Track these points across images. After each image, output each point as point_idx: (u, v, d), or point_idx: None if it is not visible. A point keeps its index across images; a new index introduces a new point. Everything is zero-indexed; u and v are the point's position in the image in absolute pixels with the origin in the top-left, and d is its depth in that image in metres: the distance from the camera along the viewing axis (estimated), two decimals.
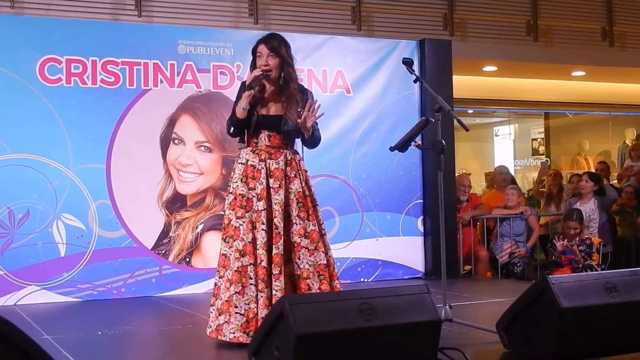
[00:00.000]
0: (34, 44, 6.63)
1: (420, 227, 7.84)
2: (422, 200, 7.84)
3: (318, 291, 4.35)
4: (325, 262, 4.46)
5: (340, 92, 7.64)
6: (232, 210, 4.44)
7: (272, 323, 3.33)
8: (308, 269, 4.41)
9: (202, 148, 7.11)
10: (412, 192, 7.82)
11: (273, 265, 4.32)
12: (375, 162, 7.68)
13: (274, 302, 4.22)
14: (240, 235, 4.36)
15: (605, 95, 12.09)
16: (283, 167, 4.49)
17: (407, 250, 7.77)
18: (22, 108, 6.55)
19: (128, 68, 6.91)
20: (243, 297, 4.30)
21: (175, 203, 7.01)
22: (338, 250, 7.44)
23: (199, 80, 7.08)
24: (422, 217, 7.84)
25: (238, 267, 4.32)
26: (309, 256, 4.43)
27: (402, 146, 5.15)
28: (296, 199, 4.48)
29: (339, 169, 7.56)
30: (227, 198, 4.57)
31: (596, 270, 7.51)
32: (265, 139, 4.54)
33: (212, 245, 6.86)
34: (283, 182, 4.46)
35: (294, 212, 4.46)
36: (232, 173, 4.60)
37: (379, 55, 7.82)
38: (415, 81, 5.34)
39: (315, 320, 3.24)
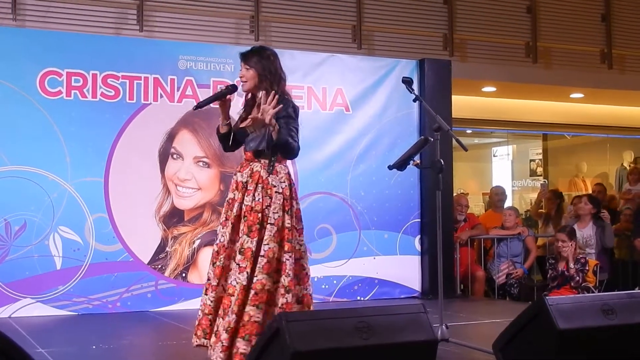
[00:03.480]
0: (35, 57, 6.65)
1: (418, 246, 7.83)
2: (419, 220, 7.84)
3: (231, 311, 4.17)
4: (245, 283, 4.19)
5: (339, 109, 7.66)
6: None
7: (268, 339, 3.32)
8: (235, 286, 4.22)
9: (201, 163, 7.11)
10: (410, 211, 7.82)
11: (213, 275, 4.35)
12: (374, 180, 7.68)
13: (206, 311, 4.33)
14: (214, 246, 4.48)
15: (603, 117, 12.12)
16: (245, 180, 4.37)
17: (404, 269, 7.76)
18: (21, 120, 6.56)
19: (128, 82, 6.93)
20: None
21: (173, 218, 7.00)
22: (335, 268, 7.46)
23: (199, 96, 7.08)
24: (419, 236, 7.83)
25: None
26: (238, 273, 4.22)
27: (400, 165, 5.15)
28: (244, 212, 4.32)
29: (337, 186, 7.57)
30: None
31: (593, 292, 7.49)
32: (243, 152, 4.53)
33: (209, 261, 6.82)
34: (240, 194, 4.35)
35: (240, 226, 4.31)
36: None
37: (378, 73, 7.84)
38: (414, 100, 5.37)
39: (311, 338, 3.23)
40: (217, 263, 4.34)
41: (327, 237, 7.48)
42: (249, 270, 4.21)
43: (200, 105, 4.62)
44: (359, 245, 7.60)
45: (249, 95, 4.53)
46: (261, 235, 4.26)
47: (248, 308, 4.18)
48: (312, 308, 4.50)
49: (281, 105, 4.29)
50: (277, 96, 4.26)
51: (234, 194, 4.38)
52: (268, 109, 4.21)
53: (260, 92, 4.40)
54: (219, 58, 7.19)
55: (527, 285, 8.52)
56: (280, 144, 4.29)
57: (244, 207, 4.31)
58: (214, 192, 7.09)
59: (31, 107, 6.58)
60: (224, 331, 4.15)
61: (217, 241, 4.41)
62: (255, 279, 4.21)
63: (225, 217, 4.40)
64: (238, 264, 4.24)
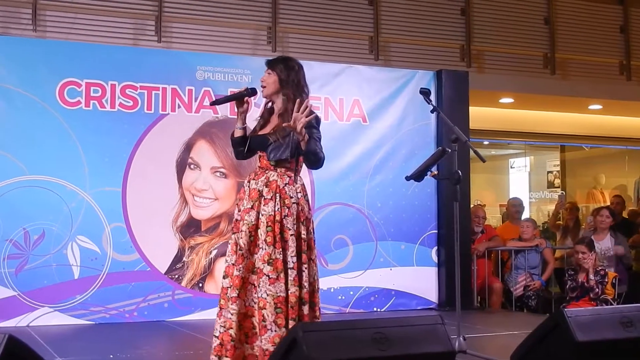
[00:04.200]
0: (55, 67, 6.71)
1: (435, 258, 7.81)
2: (436, 231, 7.82)
3: (273, 324, 4.07)
4: (284, 295, 4.11)
5: (356, 120, 7.67)
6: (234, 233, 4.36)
7: (285, 350, 3.31)
8: (265, 299, 4.09)
9: (218, 173, 7.13)
10: (427, 222, 7.80)
11: (232, 287, 4.16)
12: (391, 191, 7.67)
13: (227, 325, 4.12)
14: (226, 258, 4.30)
15: (621, 129, 12.05)
16: (260, 188, 4.26)
17: (421, 281, 7.74)
18: (40, 130, 6.61)
19: (146, 92, 6.97)
20: (219, 320, 4.21)
21: (190, 228, 7.02)
22: (351, 279, 7.45)
23: (217, 106, 7.11)
24: (436, 248, 7.81)
25: (222, 288, 4.26)
26: (269, 285, 4.10)
27: (418, 176, 5.15)
28: (266, 221, 4.19)
29: (353, 197, 7.57)
30: None
31: (611, 304, 7.44)
32: (257, 159, 4.39)
33: None
34: (257, 203, 4.23)
35: (262, 236, 4.19)
36: None
37: (396, 84, 7.85)
38: (432, 111, 5.36)
39: (328, 348, 3.22)
40: (236, 273, 4.19)
41: (343, 248, 7.47)
42: (283, 282, 4.13)
43: (216, 102, 4.62)
44: (375, 256, 7.59)
45: (269, 103, 4.49)
46: (286, 246, 4.21)
47: (290, 322, 4.10)
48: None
49: (314, 114, 4.23)
50: (310, 105, 4.19)
51: (251, 203, 4.26)
52: (301, 117, 4.10)
53: (281, 100, 4.38)
54: (236, 69, 7.22)
55: (545, 297, 8.47)
56: (311, 154, 4.21)
57: (261, 216, 4.21)
58: (230, 202, 7.10)
59: (50, 117, 6.63)
60: (272, 345, 4.01)
61: (232, 249, 4.26)
62: (289, 291, 4.14)
63: (241, 225, 4.26)
64: (267, 275, 4.12)
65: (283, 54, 7.21)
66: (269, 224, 4.19)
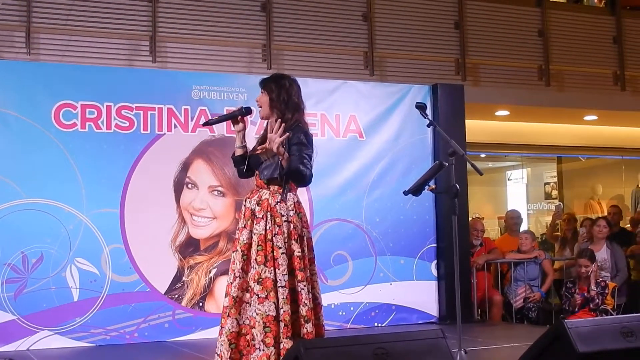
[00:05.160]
0: (50, 90, 6.71)
1: (434, 272, 7.80)
2: (435, 245, 7.81)
3: (261, 343, 4.09)
4: (274, 314, 4.14)
5: (353, 136, 7.67)
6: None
7: None
8: (255, 317, 4.14)
9: (216, 192, 7.12)
10: (426, 236, 7.80)
11: (229, 305, 4.25)
12: (389, 206, 7.67)
13: (224, 347, 4.19)
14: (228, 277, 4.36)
15: (617, 139, 12.08)
16: (253, 207, 4.32)
17: (421, 295, 7.72)
18: (37, 153, 6.60)
19: (142, 113, 6.97)
20: (220, 337, 4.28)
21: (189, 247, 7.01)
22: (351, 295, 7.43)
23: (213, 125, 7.11)
24: (435, 262, 7.80)
25: (223, 307, 4.33)
26: (258, 304, 4.15)
27: (416, 190, 5.15)
28: (257, 240, 4.25)
29: (352, 213, 7.56)
30: None
31: (611, 314, 7.44)
32: (254, 179, 4.47)
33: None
34: (249, 222, 4.30)
35: (253, 255, 4.24)
36: None
37: (391, 99, 7.86)
38: (428, 125, 5.38)
39: None
40: (231, 292, 4.26)
41: (343, 263, 7.46)
42: (274, 300, 4.14)
43: (209, 123, 4.64)
44: (375, 272, 7.58)
45: (266, 122, 4.52)
46: (277, 264, 4.22)
47: (283, 341, 4.11)
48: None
49: (287, 134, 4.24)
50: (283, 124, 4.22)
51: (244, 222, 4.33)
52: (274, 138, 4.17)
53: (268, 120, 4.42)
54: (232, 87, 7.22)
55: (545, 309, 8.46)
56: (290, 172, 4.25)
57: (254, 235, 4.26)
58: (229, 220, 7.09)
59: (46, 139, 6.63)
60: None
61: (231, 268, 4.33)
62: (281, 310, 4.16)
63: (237, 244, 4.34)
64: (257, 295, 4.16)
65: (278, 72, 7.24)
66: (260, 242, 4.24)
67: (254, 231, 4.27)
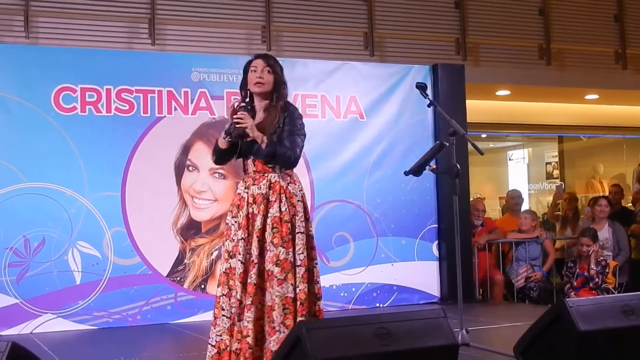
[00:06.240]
0: (49, 74, 6.69)
1: (435, 252, 7.81)
2: (436, 225, 7.82)
3: (281, 325, 4.07)
4: (292, 295, 4.12)
5: (353, 117, 7.66)
6: (226, 240, 4.33)
7: (289, 348, 3.31)
8: (274, 300, 4.10)
9: (217, 175, 7.12)
10: (427, 216, 7.80)
11: (246, 295, 4.12)
12: (390, 187, 7.67)
13: (244, 333, 4.07)
14: (219, 267, 4.29)
15: (619, 118, 12.06)
16: (264, 191, 4.25)
17: (423, 275, 7.74)
18: (37, 137, 6.60)
19: (142, 96, 6.96)
20: (215, 329, 4.21)
21: (190, 230, 7.02)
22: (353, 276, 7.45)
23: (213, 107, 7.12)
24: (437, 242, 7.82)
25: (216, 297, 4.25)
26: (277, 286, 4.11)
27: (417, 170, 5.16)
28: (272, 223, 4.20)
29: (353, 194, 7.57)
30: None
31: (613, 293, 7.46)
32: (251, 164, 4.35)
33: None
34: (262, 206, 4.23)
35: (269, 238, 4.19)
36: None
37: (392, 80, 7.85)
38: (429, 105, 5.37)
39: (331, 345, 3.22)
40: (249, 280, 4.14)
41: (344, 244, 7.47)
42: (292, 282, 4.13)
43: (229, 134, 4.44)
44: (376, 252, 7.59)
45: (246, 102, 4.37)
46: (293, 245, 4.21)
47: (299, 319, 4.09)
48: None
49: (242, 117, 4.23)
50: (240, 105, 4.28)
51: (254, 208, 4.24)
52: (247, 125, 4.21)
53: (265, 100, 4.37)
54: (231, 69, 7.20)
55: (546, 288, 8.48)
56: (276, 157, 4.24)
57: (269, 219, 4.21)
58: (230, 203, 7.07)
59: (46, 123, 6.62)
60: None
61: (240, 258, 4.17)
62: (297, 289, 4.15)
63: (248, 233, 4.22)
64: (276, 277, 4.12)
65: (276, 54, 7.22)
66: (275, 225, 4.19)
67: (269, 214, 4.22)
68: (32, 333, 6.38)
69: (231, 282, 4.19)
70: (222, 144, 4.37)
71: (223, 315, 4.19)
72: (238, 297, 4.14)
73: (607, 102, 11.46)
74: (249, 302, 4.10)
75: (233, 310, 4.15)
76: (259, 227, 4.20)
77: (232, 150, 4.38)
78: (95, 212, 6.71)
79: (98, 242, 6.71)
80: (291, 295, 4.12)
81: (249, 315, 4.09)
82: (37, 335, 6.30)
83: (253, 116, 4.34)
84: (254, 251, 4.18)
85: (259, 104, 4.39)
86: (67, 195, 6.63)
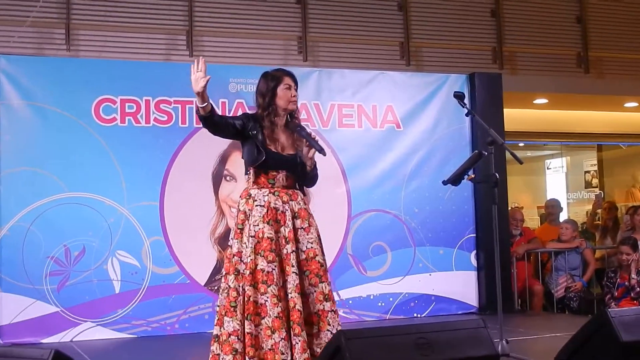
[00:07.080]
0: (89, 85, 6.78)
1: (474, 262, 7.76)
2: (474, 234, 7.77)
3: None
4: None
5: (390, 127, 7.66)
6: (260, 254, 4.27)
7: (329, 357, 3.31)
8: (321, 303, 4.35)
9: None
10: (465, 226, 7.76)
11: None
12: (427, 196, 7.65)
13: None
14: (275, 280, 4.21)
15: None
16: (305, 207, 4.44)
17: (461, 285, 7.69)
18: (78, 147, 6.68)
19: (180, 107, 7.02)
20: (288, 342, 4.16)
21: (228, 239, 7.02)
22: (390, 286, 7.43)
23: None
24: (475, 252, 7.77)
25: (278, 313, 4.18)
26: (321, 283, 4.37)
27: (455, 180, 5.14)
28: (293, 237, 4.38)
29: (390, 203, 7.55)
30: (247, 240, 4.39)
31: None
32: (282, 179, 4.42)
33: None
34: (299, 220, 4.39)
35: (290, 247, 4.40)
36: (241, 214, 4.45)
37: (428, 89, 7.83)
38: (467, 115, 5.36)
39: (371, 355, 3.22)
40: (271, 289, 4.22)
41: (382, 254, 7.46)
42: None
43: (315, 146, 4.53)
44: (414, 262, 7.56)
45: (270, 116, 4.51)
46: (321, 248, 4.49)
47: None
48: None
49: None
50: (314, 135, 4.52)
51: (287, 226, 4.35)
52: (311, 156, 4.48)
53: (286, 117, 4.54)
54: None
55: (587, 298, 8.39)
56: (314, 178, 4.58)
57: (291, 231, 4.34)
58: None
59: (87, 134, 6.70)
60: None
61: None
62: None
63: (295, 247, 4.36)
64: (294, 272, 4.26)
65: (312, 64, 7.25)
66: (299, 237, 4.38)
67: (296, 226, 4.37)
68: (72, 341, 6.44)
69: (293, 295, 4.24)
70: (204, 109, 4.71)
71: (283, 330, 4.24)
72: (298, 308, 4.22)
73: None
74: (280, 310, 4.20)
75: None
76: (287, 236, 4.35)
77: (231, 130, 4.63)
78: (135, 222, 6.77)
79: (137, 251, 6.77)
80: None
81: (277, 310, 4.19)
82: (77, 343, 6.36)
83: (272, 131, 4.47)
84: (294, 261, 4.29)
85: (279, 120, 4.52)
86: (106, 204, 6.70)
